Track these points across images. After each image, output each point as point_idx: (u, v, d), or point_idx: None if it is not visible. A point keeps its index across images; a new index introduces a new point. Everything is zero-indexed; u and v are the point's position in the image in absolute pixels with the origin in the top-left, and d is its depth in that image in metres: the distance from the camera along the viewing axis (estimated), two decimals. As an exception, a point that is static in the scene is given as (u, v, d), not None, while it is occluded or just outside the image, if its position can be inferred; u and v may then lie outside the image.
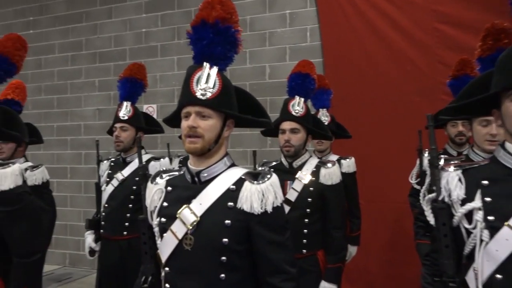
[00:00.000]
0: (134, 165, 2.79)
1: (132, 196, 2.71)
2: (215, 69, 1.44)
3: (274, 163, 2.57)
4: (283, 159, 2.49)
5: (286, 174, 2.39)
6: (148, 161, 2.81)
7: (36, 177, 2.87)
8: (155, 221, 1.48)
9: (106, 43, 6.04)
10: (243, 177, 1.43)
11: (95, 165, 3.34)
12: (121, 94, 2.81)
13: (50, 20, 6.37)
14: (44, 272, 4.62)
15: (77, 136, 6.15)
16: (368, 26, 4.60)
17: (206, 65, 1.44)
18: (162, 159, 2.82)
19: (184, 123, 1.42)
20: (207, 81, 1.41)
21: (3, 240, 1.79)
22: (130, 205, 2.71)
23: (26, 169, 2.86)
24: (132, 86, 2.80)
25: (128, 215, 2.69)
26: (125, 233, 2.69)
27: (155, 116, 5.42)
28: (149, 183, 1.56)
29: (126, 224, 2.69)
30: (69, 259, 6.09)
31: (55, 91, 6.30)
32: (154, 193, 1.50)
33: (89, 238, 2.79)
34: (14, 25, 6.40)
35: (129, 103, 2.77)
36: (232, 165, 1.50)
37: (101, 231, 2.79)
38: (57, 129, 6.23)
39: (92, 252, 2.79)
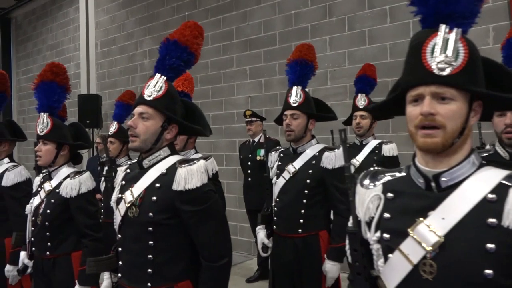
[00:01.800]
0: (305, 156, 2.54)
1: (306, 191, 2.46)
2: (457, 33, 1.04)
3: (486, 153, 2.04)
4: (499, 150, 1.95)
5: None
6: (321, 151, 2.53)
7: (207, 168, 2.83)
8: (373, 236, 1.16)
9: (256, 29, 5.99)
10: (505, 182, 1.02)
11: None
12: (290, 78, 2.56)
13: (203, 12, 6.59)
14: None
15: (231, 124, 6.29)
16: None
17: (444, 27, 1.05)
18: (336, 150, 2.50)
19: (414, 110, 1.06)
20: (445, 50, 1.03)
21: (192, 241, 1.69)
22: (304, 201, 2.47)
23: (197, 161, 2.84)
24: (302, 69, 2.54)
25: (303, 211, 2.46)
26: (300, 230, 2.47)
27: (308, 101, 5.16)
28: (358, 187, 1.25)
29: (301, 221, 2.46)
30: (227, 243, 6.31)
31: (209, 81, 6.53)
32: (369, 201, 1.19)
33: (261, 234, 2.64)
34: (172, 22, 6.80)
35: (299, 88, 2.51)
36: (482, 164, 1.09)
37: (274, 227, 2.62)
38: (213, 118, 6.45)
39: (265, 248, 2.63)
